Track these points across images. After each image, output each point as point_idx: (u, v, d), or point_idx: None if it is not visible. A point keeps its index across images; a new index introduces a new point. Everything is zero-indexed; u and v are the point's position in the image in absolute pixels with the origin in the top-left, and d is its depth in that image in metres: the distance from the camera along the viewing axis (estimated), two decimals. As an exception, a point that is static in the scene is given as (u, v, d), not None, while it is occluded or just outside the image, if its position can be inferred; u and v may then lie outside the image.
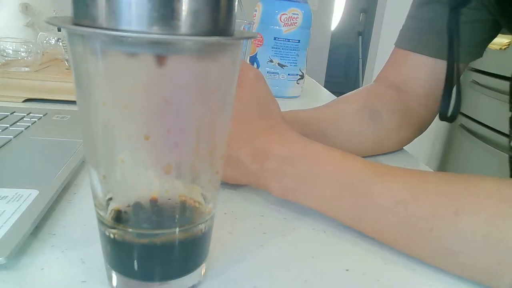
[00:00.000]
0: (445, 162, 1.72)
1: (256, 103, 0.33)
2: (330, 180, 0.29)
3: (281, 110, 0.35)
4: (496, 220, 0.24)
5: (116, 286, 0.21)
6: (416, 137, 0.50)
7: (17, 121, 0.44)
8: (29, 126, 0.43)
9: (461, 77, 0.45)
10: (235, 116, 0.30)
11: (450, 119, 0.45)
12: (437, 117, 0.51)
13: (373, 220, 0.28)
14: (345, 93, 0.49)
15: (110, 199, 0.20)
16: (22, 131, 0.41)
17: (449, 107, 0.44)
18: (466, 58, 0.47)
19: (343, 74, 4.22)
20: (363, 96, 0.48)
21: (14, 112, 0.47)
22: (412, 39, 0.48)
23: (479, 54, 0.48)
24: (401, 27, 0.51)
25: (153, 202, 0.19)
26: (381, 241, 0.28)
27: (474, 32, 0.46)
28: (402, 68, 0.49)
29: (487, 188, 0.25)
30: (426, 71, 0.47)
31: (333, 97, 0.83)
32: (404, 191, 0.27)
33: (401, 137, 0.48)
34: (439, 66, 0.47)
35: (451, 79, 0.43)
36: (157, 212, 0.20)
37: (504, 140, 1.27)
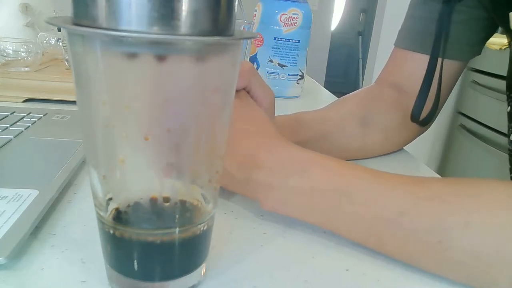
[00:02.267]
0: (445, 162, 1.72)
1: (244, 110, 0.31)
2: (326, 191, 0.27)
3: (283, 112, 0.35)
4: (508, 230, 0.23)
5: (116, 286, 0.21)
6: (417, 137, 0.50)
7: (17, 121, 0.44)
8: (29, 126, 0.43)
9: (461, 77, 0.45)
10: None
11: (422, 123, 0.42)
12: (437, 117, 0.51)
13: (375, 232, 0.26)
14: (345, 93, 0.49)
15: (110, 199, 0.20)
16: (22, 131, 0.41)
17: (422, 107, 0.42)
18: (465, 56, 0.47)
19: (343, 74, 4.21)
20: (364, 97, 0.48)
21: (14, 112, 0.47)
22: (410, 39, 0.48)
23: (477, 52, 0.48)
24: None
25: (153, 202, 0.19)
26: (385, 254, 0.27)
27: (472, 30, 0.46)
28: (402, 68, 0.49)
29: (496, 196, 0.24)
30: (426, 70, 0.47)
31: (333, 97, 0.83)
32: (406, 201, 0.25)
33: (402, 137, 0.48)
34: (439, 65, 0.47)
35: (431, 77, 0.42)
36: (157, 212, 0.20)
37: (504, 140, 1.27)
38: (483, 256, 0.23)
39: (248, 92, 0.34)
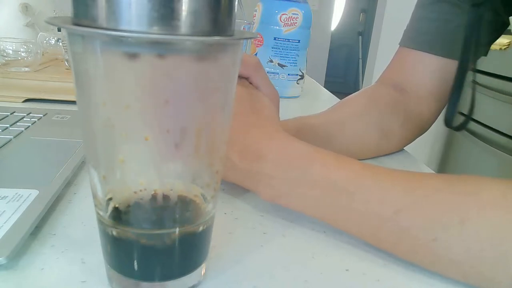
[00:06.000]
0: (445, 163, 1.72)
1: (248, 99, 0.31)
2: (325, 185, 0.27)
3: (283, 112, 0.34)
4: (503, 229, 0.23)
5: (116, 286, 0.21)
6: (417, 137, 0.50)
7: (17, 121, 0.44)
8: (29, 126, 0.43)
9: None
10: None
11: (457, 128, 0.42)
12: (437, 117, 0.51)
13: (372, 228, 0.26)
14: (345, 93, 0.49)
15: (110, 199, 0.20)
16: (22, 131, 0.41)
17: (455, 112, 0.42)
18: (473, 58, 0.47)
19: (343, 74, 4.22)
20: (366, 97, 0.48)
21: (14, 112, 0.47)
22: (417, 39, 0.48)
23: (484, 53, 0.48)
24: (401, 27, 0.51)
25: (153, 202, 0.19)
26: (381, 249, 0.27)
27: (480, 31, 0.46)
28: (406, 68, 0.49)
29: (493, 194, 0.24)
30: (431, 70, 0.47)
31: (333, 97, 0.83)
32: (404, 198, 0.25)
33: (403, 138, 0.48)
34: (444, 66, 0.46)
35: (462, 81, 0.41)
36: (157, 212, 0.20)
37: (504, 141, 1.27)
38: (478, 254, 0.23)
39: None
